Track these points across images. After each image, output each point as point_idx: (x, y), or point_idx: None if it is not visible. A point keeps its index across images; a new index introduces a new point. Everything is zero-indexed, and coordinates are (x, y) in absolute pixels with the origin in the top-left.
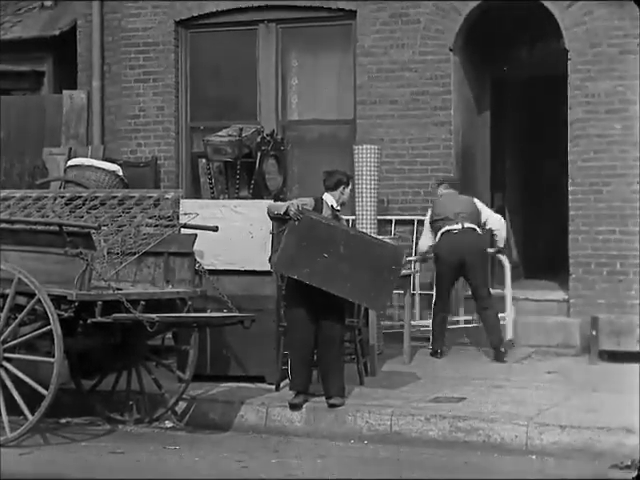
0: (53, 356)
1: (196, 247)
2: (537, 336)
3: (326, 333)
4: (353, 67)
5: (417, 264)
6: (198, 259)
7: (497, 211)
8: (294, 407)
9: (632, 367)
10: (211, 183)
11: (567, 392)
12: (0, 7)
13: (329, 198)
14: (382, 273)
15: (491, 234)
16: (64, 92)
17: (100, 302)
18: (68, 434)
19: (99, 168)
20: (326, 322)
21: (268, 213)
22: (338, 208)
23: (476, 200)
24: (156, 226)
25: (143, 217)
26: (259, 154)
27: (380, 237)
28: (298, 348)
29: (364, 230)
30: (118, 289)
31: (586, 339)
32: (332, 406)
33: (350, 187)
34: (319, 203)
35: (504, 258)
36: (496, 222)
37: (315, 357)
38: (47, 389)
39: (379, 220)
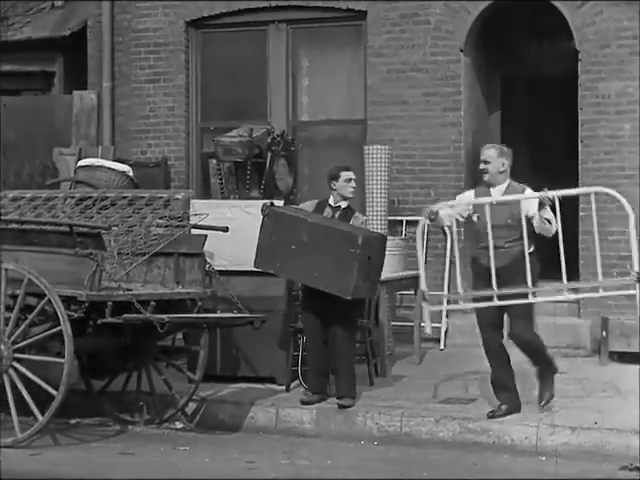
0: (63, 357)
1: (206, 248)
2: (547, 337)
3: (337, 335)
4: (364, 67)
5: None
6: (208, 260)
7: None
8: (304, 403)
9: None
10: (221, 183)
11: (577, 393)
12: (10, 7)
13: (329, 197)
14: (342, 258)
15: None
16: (74, 93)
17: (110, 303)
18: (78, 435)
19: (109, 168)
20: (336, 324)
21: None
22: (338, 205)
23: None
24: (166, 227)
25: (153, 217)
26: (269, 154)
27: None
28: (312, 352)
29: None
30: (128, 290)
31: (596, 340)
32: (342, 407)
33: (342, 179)
34: (323, 204)
35: None
36: None
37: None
38: (57, 390)
39: (390, 221)
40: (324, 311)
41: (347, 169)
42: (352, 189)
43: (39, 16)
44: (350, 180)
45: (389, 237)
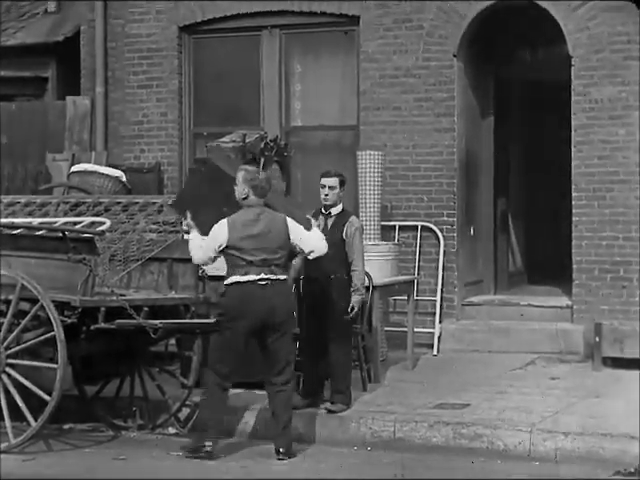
0: (56, 362)
1: None
2: (540, 342)
3: (332, 341)
4: (357, 73)
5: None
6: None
7: (501, 216)
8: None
9: (635, 374)
10: None
11: (570, 398)
12: (3, 12)
13: None
14: None
15: None
16: (68, 98)
17: (103, 308)
18: (71, 440)
19: (102, 174)
20: (332, 330)
21: None
22: (329, 211)
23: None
24: (160, 232)
25: (147, 223)
26: (262, 160)
27: None
28: (307, 358)
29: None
30: (121, 295)
31: (589, 345)
32: (330, 412)
33: (320, 184)
34: (317, 213)
35: None
36: None
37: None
38: (50, 395)
39: (383, 226)
40: (320, 317)
41: (325, 174)
42: (324, 196)
43: (32, 21)
44: (324, 187)
45: (382, 242)
